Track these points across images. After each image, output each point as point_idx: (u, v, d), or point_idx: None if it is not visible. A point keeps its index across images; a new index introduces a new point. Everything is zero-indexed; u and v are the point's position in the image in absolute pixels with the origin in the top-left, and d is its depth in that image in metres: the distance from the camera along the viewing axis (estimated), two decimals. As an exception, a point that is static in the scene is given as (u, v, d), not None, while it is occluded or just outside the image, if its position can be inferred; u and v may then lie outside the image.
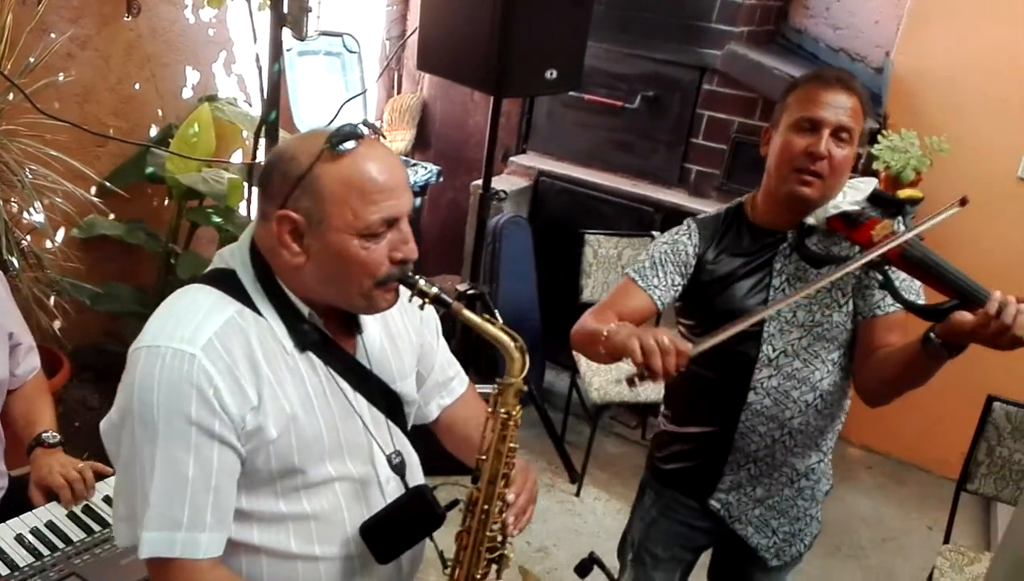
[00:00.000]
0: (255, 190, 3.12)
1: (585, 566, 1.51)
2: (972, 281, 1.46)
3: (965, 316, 1.40)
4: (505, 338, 1.24)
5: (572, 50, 2.87)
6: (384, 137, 1.23)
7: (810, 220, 1.62)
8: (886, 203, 1.64)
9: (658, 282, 1.72)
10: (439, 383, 1.51)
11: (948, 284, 1.49)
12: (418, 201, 3.86)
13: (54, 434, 1.79)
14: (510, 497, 1.30)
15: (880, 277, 1.58)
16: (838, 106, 1.57)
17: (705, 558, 2.04)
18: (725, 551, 1.97)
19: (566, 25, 2.80)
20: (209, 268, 1.26)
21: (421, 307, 1.22)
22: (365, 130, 1.16)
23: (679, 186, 3.64)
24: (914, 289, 1.63)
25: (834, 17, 3.54)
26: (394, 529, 1.28)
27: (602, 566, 1.51)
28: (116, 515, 1.21)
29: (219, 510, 1.16)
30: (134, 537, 1.16)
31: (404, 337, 1.40)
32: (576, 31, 2.86)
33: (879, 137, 3.06)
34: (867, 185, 1.63)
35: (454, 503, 1.34)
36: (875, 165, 3.05)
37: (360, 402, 1.29)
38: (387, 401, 1.34)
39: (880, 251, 1.51)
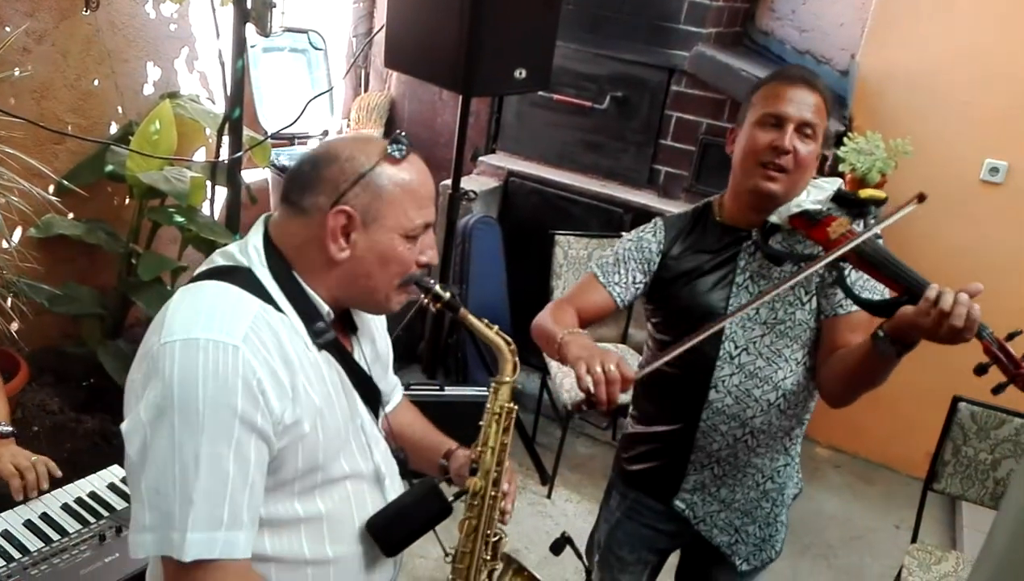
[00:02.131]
0: (220, 190, 3.08)
1: (558, 544, 1.53)
2: (921, 277, 1.48)
3: (908, 308, 1.42)
4: (500, 342, 1.33)
5: (541, 50, 2.85)
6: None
7: (773, 218, 1.64)
8: (849, 203, 1.65)
9: (619, 279, 1.74)
10: (389, 390, 1.53)
11: (898, 280, 1.50)
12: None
13: (6, 424, 1.74)
14: (505, 486, 1.38)
15: (834, 274, 1.60)
16: (802, 102, 1.58)
17: (674, 560, 2.03)
18: (692, 554, 1.97)
19: (535, 24, 2.78)
20: (210, 265, 1.24)
21: (433, 310, 1.29)
22: (407, 143, 1.24)
23: (648, 187, 3.64)
24: (878, 290, 1.63)
25: (800, 20, 3.58)
26: (404, 522, 1.31)
27: (574, 546, 1.53)
28: (138, 527, 1.11)
29: (253, 508, 1.13)
30: (165, 544, 1.08)
31: (382, 341, 1.44)
32: (545, 31, 2.84)
33: (845, 139, 3.09)
34: (831, 185, 1.64)
35: (461, 493, 1.37)
36: (841, 167, 3.07)
37: (358, 400, 1.32)
38: (375, 399, 1.37)
39: (841, 251, 1.53)
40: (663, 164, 3.60)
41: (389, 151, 1.20)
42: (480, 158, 3.90)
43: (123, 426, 1.14)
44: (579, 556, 1.65)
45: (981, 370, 1.42)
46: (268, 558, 1.20)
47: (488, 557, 1.38)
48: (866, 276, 1.60)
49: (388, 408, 1.52)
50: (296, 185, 1.22)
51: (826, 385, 1.68)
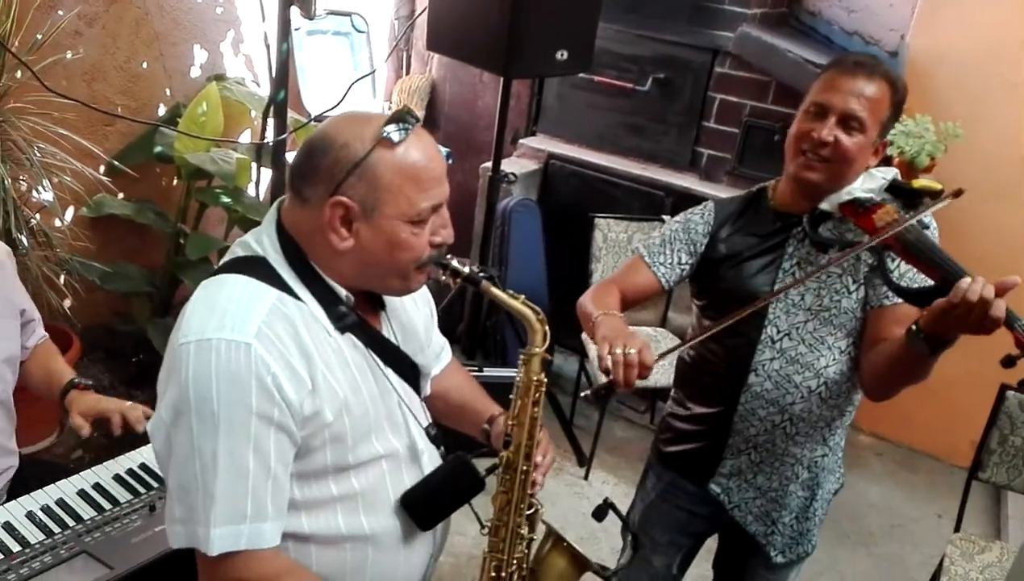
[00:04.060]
0: (265, 171, 3.13)
1: (601, 510, 1.56)
2: (961, 267, 1.45)
3: (940, 299, 1.39)
4: (528, 311, 1.31)
5: (583, 31, 2.83)
6: (420, 121, 1.23)
7: (824, 205, 1.62)
8: (904, 193, 1.62)
9: (664, 260, 1.75)
10: (434, 354, 1.53)
11: (937, 269, 1.48)
12: (427, 183, 3.84)
13: (86, 380, 1.81)
14: (538, 459, 1.38)
15: (875, 261, 1.57)
16: (851, 93, 1.55)
17: (712, 547, 2.03)
18: (729, 542, 1.96)
19: (577, 5, 2.76)
20: (231, 256, 1.24)
21: (453, 285, 1.27)
22: (413, 118, 1.18)
23: (690, 170, 3.61)
24: (925, 282, 1.59)
25: (848, 0, 3.50)
26: (437, 497, 1.32)
27: (616, 511, 1.56)
28: (170, 518, 1.17)
29: (278, 498, 1.16)
30: (193, 537, 1.13)
31: (415, 311, 1.43)
32: (587, 12, 2.83)
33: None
34: (886, 174, 1.61)
35: (493, 468, 1.39)
36: (889, 151, 3.01)
37: (393, 378, 1.31)
38: (411, 374, 1.37)
39: (881, 238, 1.50)
40: (706, 147, 3.56)
41: (385, 134, 1.14)
42: (520, 141, 3.90)
43: (148, 424, 1.19)
44: (622, 520, 1.69)
45: (1010, 362, 1.39)
46: (307, 537, 1.22)
47: (524, 530, 1.39)
48: (915, 269, 1.57)
49: (435, 371, 1.53)
50: (298, 173, 1.20)
51: (866, 378, 1.66)
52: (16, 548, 1.50)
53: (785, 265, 1.67)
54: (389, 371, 1.30)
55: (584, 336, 3.13)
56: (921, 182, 2.90)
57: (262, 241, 1.22)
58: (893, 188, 1.61)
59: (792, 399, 1.68)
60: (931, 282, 1.51)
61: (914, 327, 1.44)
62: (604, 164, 3.70)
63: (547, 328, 1.32)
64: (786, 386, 1.68)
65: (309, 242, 1.20)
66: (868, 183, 1.60)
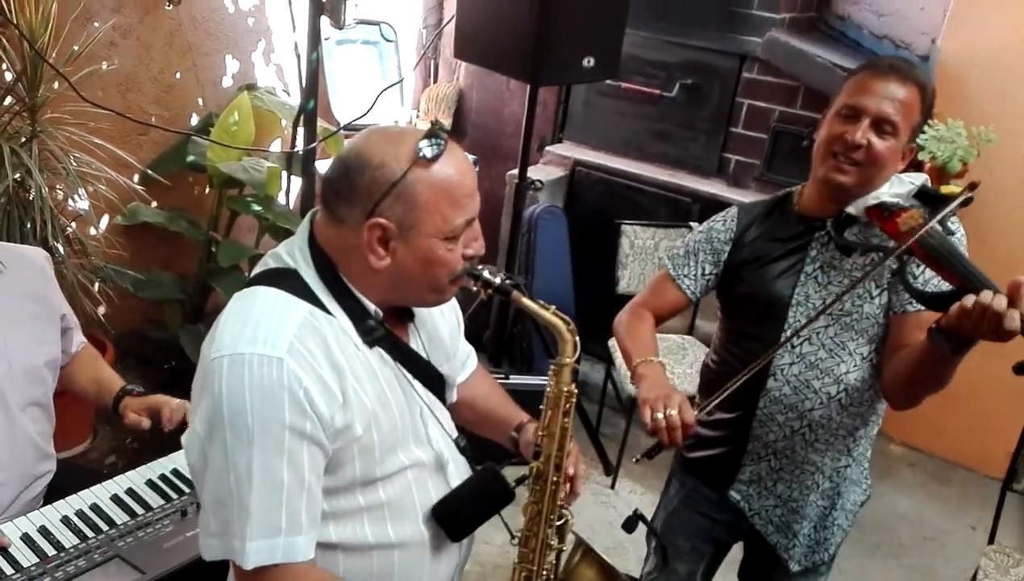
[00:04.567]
0: (295, 180, 3.16)
1: (631, 522, 1.57)
2: (981, 274, 1.43)
3: (956, 305, 1.38)
4: (558, 322, 1.30)
5: (610, 37, 2.83)
6: (449, 134, 1.24)
7: (851, 209, 1.61)
8: (932, 199, 1.59)
9: (688, 271, 1.76)
10: (460, 362, 1.54)
11: (956, 275, 1.46)
12: (454, 191, 3.86)
13: (138, 386, 1.87)
14: (571, 470, 1.39)
15: (895, 266, 1.55)
16: (884, 96, 1.53)
17: (737, 556, 2.02)
18: (753, 552, 1.95)
19: (604, 12, 2.76)
20: (263, 267, 1.25)
21: (485, 297, 1.28)
22: (444, 133, 1.18)
23: (718, 176, 3.59)
24: (946, 287, 1.58)
25: (878, 4, 3.46)
26: (467, 508, 1.32)
27: (647, 522, 1.56)
28: (205, 531, 1.18)
29: (312, 510, 1.16)
30: (228, 550, 1.14)
31: (442, 321, 1.43)
32: (614, 18, 2.82)
33: (925, 127, 2.98)
34: (915, 179, 1.60)
35: (523, 478, 1.39)
36: (920, 156, 2.97)
37: (419, 389, 1.32)
38: (439, 385, 1.38)
39: (907, 244, 1.49)
40: (734, 153, 3.54)
41: (420, 153, 1.14)
42: (547, 148, 3.90)
43: (183, 437, 1.20)
44: (652, 531, 1.69)
45: (1022, 368, 1.38)
46: (334, 545, 1.23)
47: (554, 541, 1.40)
48: (938, 275, 1.55)
49: (461, 378, 1.54)
50: (331, 192, 1.19)
51: (888, 385, 1.64)
52: (52, 552, 1.53)
53: (807, 269, 1.66)
54: (416, 383, 1.31)
55: (612, 343, 3.13)
56: (951, 188, 2.85)
57: (294, 254, 1.23)
58: (922, 194, 1.59)
59: (811, 405, 1.67)
60: (949, 287, 1.49)
61: (935, 326, 1.43)
62: (631, 171, 3.69)
63: (578, 339, 1.31)
64: (805, 391, 1.67)
65: (342, 258, 1.21)
66: (896, 188, 1.58)
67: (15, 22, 2.28)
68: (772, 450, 1.73)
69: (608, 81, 3.50)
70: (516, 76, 2.96)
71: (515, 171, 3.15)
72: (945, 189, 1.62)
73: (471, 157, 3.82)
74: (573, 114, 3.91)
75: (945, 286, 1.54)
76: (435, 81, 4.30)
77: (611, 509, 3.12)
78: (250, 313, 1.17)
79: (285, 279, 1.20)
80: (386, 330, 1.26)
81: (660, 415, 1.49)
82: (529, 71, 2.71)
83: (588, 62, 2.78)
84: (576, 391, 1.34)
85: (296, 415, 1.11)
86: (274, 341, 1.12)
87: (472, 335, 3.57)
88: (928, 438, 3.62)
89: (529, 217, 3.54)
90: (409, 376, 1.29)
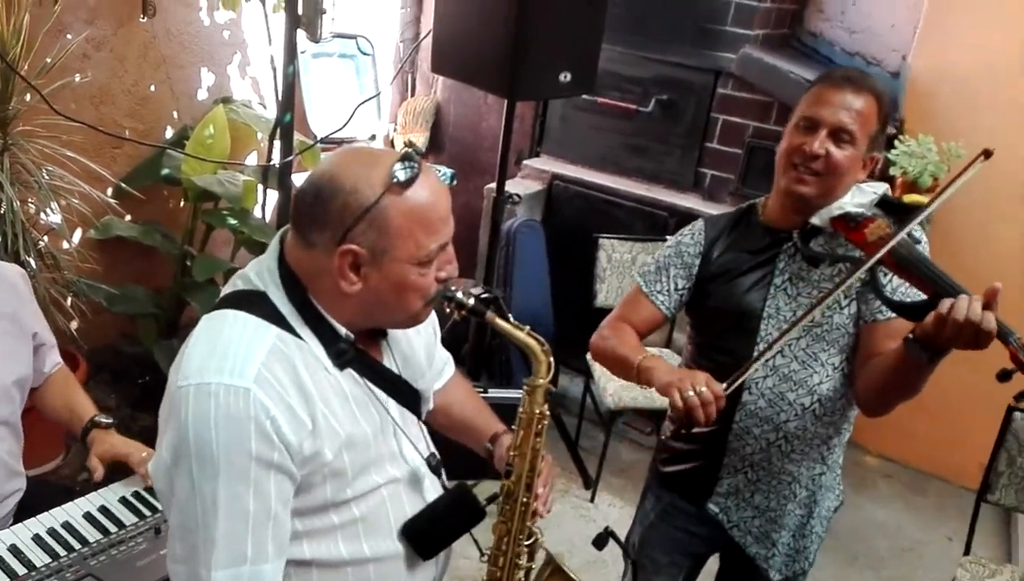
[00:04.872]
0: (271, 193, 3.15)
1: (601, 539, 1.56)
2: (953, 281, 1.46)
3: (931, 314, 1.40)
4: (532, 342, 1.31)
5: (586, 52, 2.85)
6: (424, 156, 1.23)
7: (815, 220, 1.62)
8: (895, 208, 1.62)
9: (661, 287, 1.76)
10: (436, 370, 1.53)
11: (929, 283, 1.48)
12: (431, 204, 3.85)
13: (107, 417, 1.83)
14: (540, 489, 1.39)
15: (867, 277, 1.57)
16: (840, 106, 1.56)
17: (713, 568, 2.02)
18: (730, 563, 1.96)
19: (580, 27, 2.78)
20: (232, 288, 1.23)
21: (458, 318, 1.27)
22: (418, 156, 1.17)
23: (693, 190, 3.62)
24: (918, 296, 1.59)
25: (850, 21, 3.53)
26: (438, 526, 1.32)
27: (616, 539, 1.56)
28: (172, 557, 1.16)
29: (279, 538, 1.15)
30: (194, 578, 1.12)
31: (417, 336, 1.42)
32: (590, 34, 2.85)
33: (896, 142, 3.04)
34: (876, 189, 1.62)
35: (493, 497, 1.39)
36: (892, 171, 3.02)
37: (392, 407, 1.31)
38: (413, 401, 1.37)
39: (881, 253, 1.50)
40: (709, 167, 3.58)
41: (394, 178, 1.11)
42: (524, 162, 3.92)
43: (150, 464, 1.19)
44: (623, 548, 1.68)
45: (1005, 376, 1.40)
46: (308, 562, 1.22)
47: (523, 560, 1.40)
48: (907, 283, 1.57)
49: (438, 385, 1.53)
50: (302, 215, 1.17)
51: (861, 393, 1.66)
52: (22, 571, 1.50)
53: (776, 281, 1.67)
54: (391, 402, 1.30)
55: (589, 358, 3.13)
56: (912, 198, 2.90)
57: (263, 275, 1.20)
58: (883, 203, 1.62)
59: (786, 417, 1.68)
60: (923, 296, 1.51)
61: (910, 336, 1.45)
62: (608, 185, 3.72)
63: (552, 359, 1.32)
64: (780, 404, 1.68)
65: (312, 281, 1.19)
66: (858, 197, 1.60)
67: (-13, 35, 2.25)
68: (749, 462, 1.74)
69: (585, 96, 3.52)
70: (493, 90, 2.97)
71: (493, 185, 3.15)
72: (908, 198, 1.64)
73: (447, 170, 3.84)
74: (550, 128, 3.93)
75: (914, 294, 1.56)
76: (412, 95, 4.30)
77: (591, 523, 3.11)
78: (218, 339, 1.14)
79: (254, 302, 1.18)
80: (357, 351, 1.24)
81: (691, 392, 1.47)
82: (506, 86, 2.72)
83: (565, 77, 2.80)
84: (548, 413, 1.34)
85: (263, 445, 1.09)
86: (241, 370, 1.10)
87: (451, 348, 3.56)
88: (903, 449, 3.66)
89: (507, 231, 3.55)
90: (382, 396, 1.28)
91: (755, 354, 1.65)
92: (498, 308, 3.13)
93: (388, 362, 1.32)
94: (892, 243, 1.50)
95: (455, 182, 3.88)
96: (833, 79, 1.60)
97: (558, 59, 2.76)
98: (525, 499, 1.35)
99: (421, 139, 4.17)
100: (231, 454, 1.08)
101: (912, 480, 3.63)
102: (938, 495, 3.54)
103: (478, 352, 3.36)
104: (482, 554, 1.40)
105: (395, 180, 1.12)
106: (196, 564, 1.12)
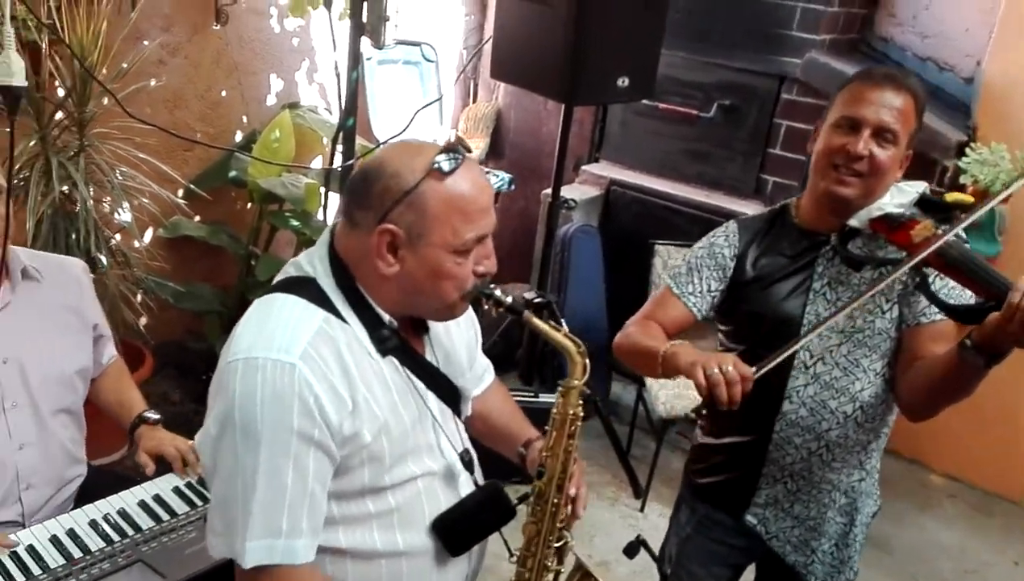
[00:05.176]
0: (333, 196, 3.22)
1: (632, 547, 1.54)
2: (1006, 278, 1.40)
3: (994, 315, 1.34)
4: (568, 344, 1.30)
5: (645, 58, 2.85)
6: (471, 154, 1.26)
7: (853, 222, 1.58)
8: (935, 207, 1.57)
9: (693, 289, 1.70)
10: (476, 376, 1.55)
11: (985, 284, 1.43)
12: (490, 209, 3.88)
13: (154, 413, 1.90)
14: (572, 491, 1.37)
15: (916, 279, 1.52)
16: (882, 105, 1.52)
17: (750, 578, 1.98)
18: (768, 572, 1.91)
19: (639, 32, 2.78)
20: (284, 275, 1.29)
21: (495, 315, 1.29)
22: (463, 150, 1.20)
23: (755, 197, 3.56)
24: (964, 297, 1.55)
25: (922, 25, 3.41)
26: (468, 523, 1.33)
27: (649, 549, 1.54)
28: (211, 529, 1.22)
29: (314, 516, 1.19)
30: (231, 549, 1.17)
31: (459, 334, 1.44)
32: (650, 39, 2.84)
33: (967, 150, 2.93)
34: (915, 188, 1.58)
35: (524, 497, 1.39)
36: (962, 179, 2.91)
37: (431, 400, 1.33)
38: (452, 397, 1.39)
39: (924, 254, 1.46)
40: (771, 174, 3.51)
41: (435, 165, 1.17)
42: (583, 167, 3.91)
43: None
44: (654, 559, 1.65)
45: None
46: (343, 551, 1.25)
47: (552, 562, 1.39)
48: (952, 283, 1.52)
49: (476, 392, 1.55)
50: (351, 198, 1.23)
51: (906, 397, 1.61)
52: (78, 554, 1.57)
53: (815, 286, 1.63)
54: (430, 394, 1.33)
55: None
56: (955, 196, 2.79)
57: (313, 262, 1.26)
58: (923, 201, 1.57)
59: (828, 425, 1.64)
60: (971, 296, 1.46)
61: (968, 342, 1.40)
62: (666, 191, 3.68)
63: (587, 361, 1.31)
64: (821, 412, 1.64)
65: (358, 266, 1.23)
66: (898, 198, 1.56)
67: (66, 40, 2.36)
68: (789, 472, 1.70)
69: (645, 101, 3.50)
70: (550, 95, 2.99)
71: (549, 190, 3.16)
72: (949, 197, 1.58)
73: (506, 176, 3.86)
74: (610, 134, 3.92)
75: (958, 294, 1.52)
76: (474, 101, 4.34)
77: (639, 532, 3.07)
78: (267, 319, 1.20)
79: (304, 287, 1.23)
80: (400, 340, 1.27)
81: (715, 370, 1.40)
82: (563, 90, 2.73)
83: (623, 82, 2.80)
84: (582, 414, 1.33)
85: (305, 421, 1.13)
86: (288, 347, 1.15)
87: (504, 352, 3.59)
88: (969, 469, 3.51)
89: (563, 235, 3.55)
90: (422, 387, 1.31)
91: (796, 361, 1.62)
92: (551, 313, 3.14)
93: (429, 356, 1.35)
94: (940, 243, 1.45)
95: (513, 187, 3.90)
96: (873, 77, 1.56)
97: (616, 64, 2.76)
98: (556, 500, 1.35)
99: (481, 144, 4.21)
100: (274, 427, 1.13)
101: (978, 501, 3.48)
102: (1005, 516, 3.39)
103: (531, 357, 3.37)
104: (511, 554, 1.41)
105: (436, 167, 1.16)
106: (233, 536, 1.16)
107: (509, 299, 1.27)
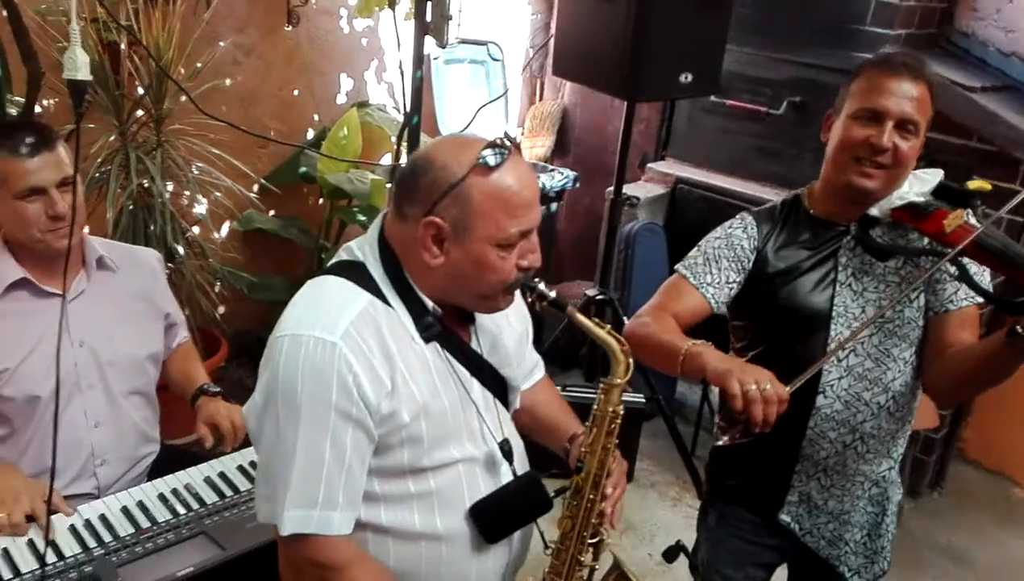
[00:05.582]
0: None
1: (672, 551, 1.53)
2: None
3: None
4: (612, 341, 1.30)
5: (710, 53, 2.81)
6: (520, 149, 1.28)
7: (873, 211, 1.55)
8: (954, 195, 1.53)
9: (711, 279, 1.63)
10: (526, 370, 1.56)
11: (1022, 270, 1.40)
12: (554, 206, 3.89)
13: (214, 385, 1.98)
14: (609, 490, 1.37)
15: (954, 269, 1.48)
16: (903, 96, 1.48)
17: (781, 575, 1.93)
18: (800, 568, 1.86)
19: (704, 27, 2.74)
20: (337, 259, 1.33)
21: (539, 309, 1.30)
22: (510, 144, 1.22)
23: (825, 196, 3.47)
24: (986, 281, 1.53)
25: (1006, 19, 3.27)
26: (504, 511, 1.35)
27: (687, 553, 1.52)
28: (258, 494, 1.29)
29: (350, 490, 1.23)
30: (274, 515, 1.23)
31: (508, 327, 1.45)
32: (714, 34, 2.80)
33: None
34: (933, 177, 1.54)
35: (561, 490, 1.40)
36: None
37: (475, 388, 1.35)
38: (497, 387, 1.41)
39: (965, 243, 1.42)
40: (842, 172, 3.42)
41: (480, 160, 1.18)
42: (648, 165, 3.89)
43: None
44: (691, 563, 1.62)
45: None
46: (385, 529, 1.28)
47: (585, 558, 1.38)
48: (984, 268, 1.50)
49: (526, 386, 1.56)
50: (399, 190, 1.26)
51: (936, 384, 1.59)
52: (146, 524, 1.65)
53: (840, 277, 1.60)
54: (474, 382, 1.34)
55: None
56: (976, 183, 2.66)
57: (364, 248, 1.30)
58: (940, 190, 1.54)
59: (863, 417, 1.61)
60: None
61: (1019, 329, 1.34)
62: (734, 188, 3.62)
63: (631, 360, 1.31)
64: (856, 404, 1.61)
65: (405, 254, 1.26)
66: (918, 186, 1.53)
67: (143, 41, 2.48)
68: (823, 467, 1.67)
69: (713, 98, 3.46)
70: (611, 92, 2.97)
71: (612, 188, 3.16)
72: (972, 184, 1.54)
73: (571, 173, 3.87)
74: (676, 132, 3.88)
75: (989, 280, 1.51)
76: (541, 99, 4.36)
77: (700, 532, 3.05)
78: (315, 299, 1.25)
79: (353, 271, 1.27)
80: (444, 327, 1.30)
81: (753, 387, 1.30)
82: (624, 86, 2.72)
83: (686, 78, 2.77)
84: (622, 412, 1.33)
85: (343, 398, 1.17)
86: (332, 326, 1.19)
87: (568, 350, 3.59)
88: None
89: (627, 233, 3.54)
90: (465, 374, 1.33)
91: (825, 347, 1.58)
92: (613, 310, 3.13)
93: (474, 345, 1.37)
94: (979, 232, 1.42)
95: (577, 185, 3.91)
96: (892, 65, 1.51)
97: (679, 60, 2.73)
98: (592, 496, 1.34)
99: (547, 142, 4.22)
100: (314, 402, 1.17)
101: (1065, 515, 3.33)
102: (1095, 534, 3.23)
103: (594, 355, 3.37)
104: (546, 547, 1.41)
105: (482, 161, 1.18)
106: (275, 502, 1.22)
107: (552, 294, 1.28)
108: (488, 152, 1.18)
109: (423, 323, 1.27)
